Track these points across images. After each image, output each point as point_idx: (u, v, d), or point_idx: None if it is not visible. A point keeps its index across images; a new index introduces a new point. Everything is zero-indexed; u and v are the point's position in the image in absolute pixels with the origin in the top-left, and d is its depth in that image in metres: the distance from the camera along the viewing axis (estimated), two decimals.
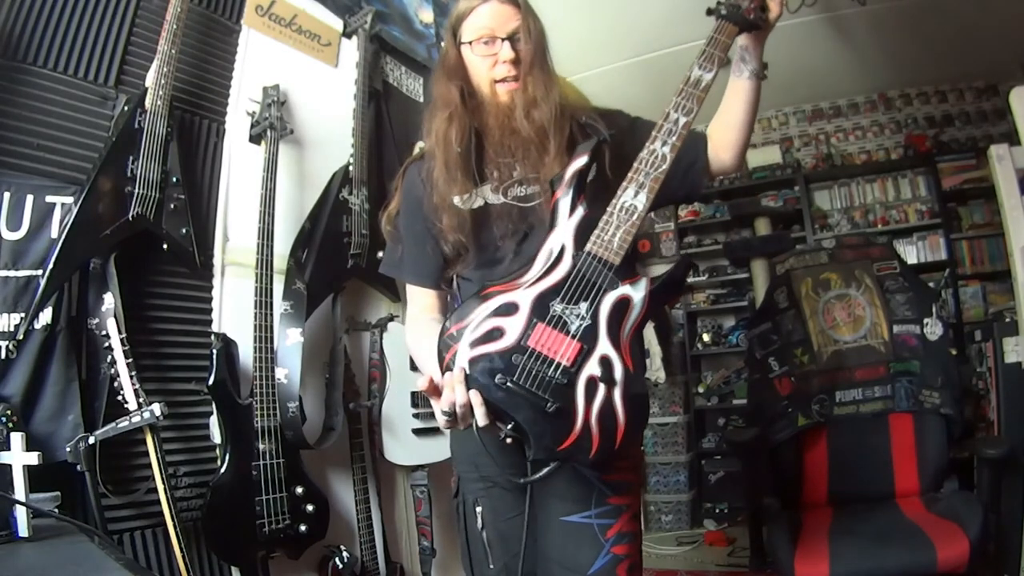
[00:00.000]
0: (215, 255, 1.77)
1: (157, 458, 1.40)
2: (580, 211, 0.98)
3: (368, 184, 2.05)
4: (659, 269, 4.68)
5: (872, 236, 3.46)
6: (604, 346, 0.93)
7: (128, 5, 1.63)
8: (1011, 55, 3.63)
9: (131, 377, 1.38)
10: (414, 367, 2.09)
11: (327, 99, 2.15)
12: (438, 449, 2.07)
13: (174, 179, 1.59)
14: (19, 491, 1.11)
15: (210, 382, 1.56)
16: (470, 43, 1.11)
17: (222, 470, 1.56)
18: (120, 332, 1.39)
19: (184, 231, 1.61)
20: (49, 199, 1.42)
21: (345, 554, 1.81)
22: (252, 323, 1.65)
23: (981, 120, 4.19)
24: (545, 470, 0.96)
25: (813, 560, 1.71)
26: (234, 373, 1.62)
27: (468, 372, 0.91)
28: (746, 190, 4.56)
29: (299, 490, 1.65)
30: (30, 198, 1.40)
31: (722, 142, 1.15)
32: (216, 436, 1.64)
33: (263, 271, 1.67)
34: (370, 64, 2.24)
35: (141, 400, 1.37)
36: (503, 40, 1.09)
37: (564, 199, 0.99)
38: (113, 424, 1.36)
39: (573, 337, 0.93)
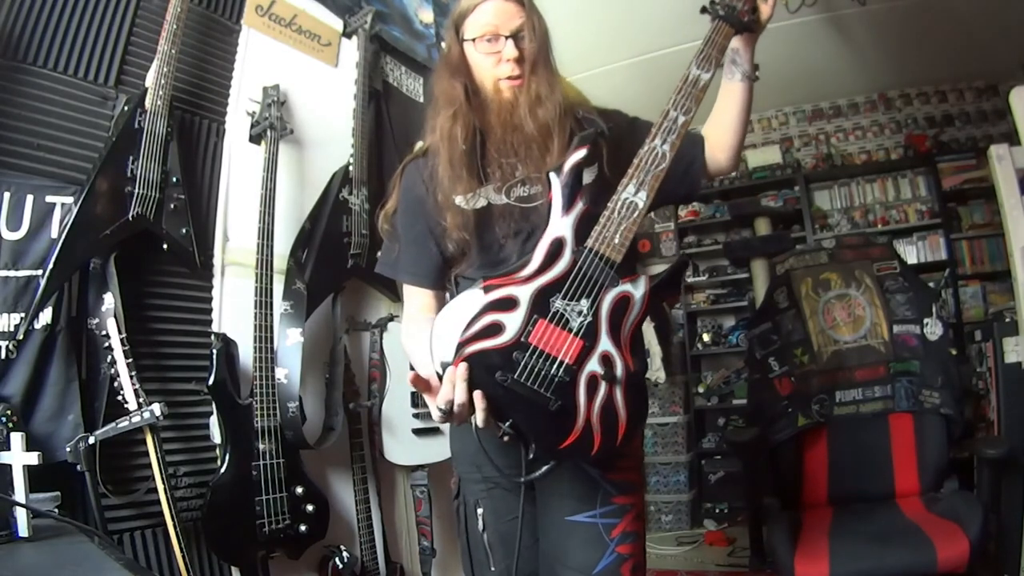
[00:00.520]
0: (215, 255, 1.77)
1: (157, 458, 1.40)
2: (580, 206, 0.97)
3: (368, 184, 2.05)
4: (658, 269, 4.69)
5: (872, 236, 3.46)
6: (605, 343, 0.93)
7: (128, 5, 1.63)
8: (1011, 55, 3.63)
9: (131, 377, 1.38)
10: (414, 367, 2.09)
11: (327, 99, 2.15)
12: (438, 449, 2.07)
13: (174, 179, 1.59)
14: (19, 491, 1.11)
15: (210, 382, 1.56)
16: (473, 40, 1.10)
17: (222, 470, 1.56)
18: (120, 332, 1.39)
19: (184, 231, 1.61)
20: (49, 199, 1.42)
21: (345, 554, 1.81)
22: (252, 323, 1.65)
23: (981, 120, 4.19)
24: (543, 468, 0.95)
25: (813, 560, 1.71)
26: (234, 373, 1.62)
27: (468, 367, 0.89)
28: (746, 190, 4.56)
29: (299, 490, 1.65)
30: (30, 198, 1.40)
31: (718, 144, 1.15)
32: (216, 436, 1.64)
33: (263, 271, 1.67)
34: (370, 64, 2.24)
35: (141, 400, 1.37)
36: (507, 38, 1.08)
37: (562, 193, 0.98)
38: (113, 424, 1.36)
39: (575, 334, 0.92)
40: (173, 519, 1.40)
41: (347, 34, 2.26)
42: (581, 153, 0.99)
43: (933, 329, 2.22)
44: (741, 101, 1.11)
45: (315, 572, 1.83)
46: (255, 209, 1.71)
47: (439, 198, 1.11)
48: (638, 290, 0.96)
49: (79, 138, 1.50)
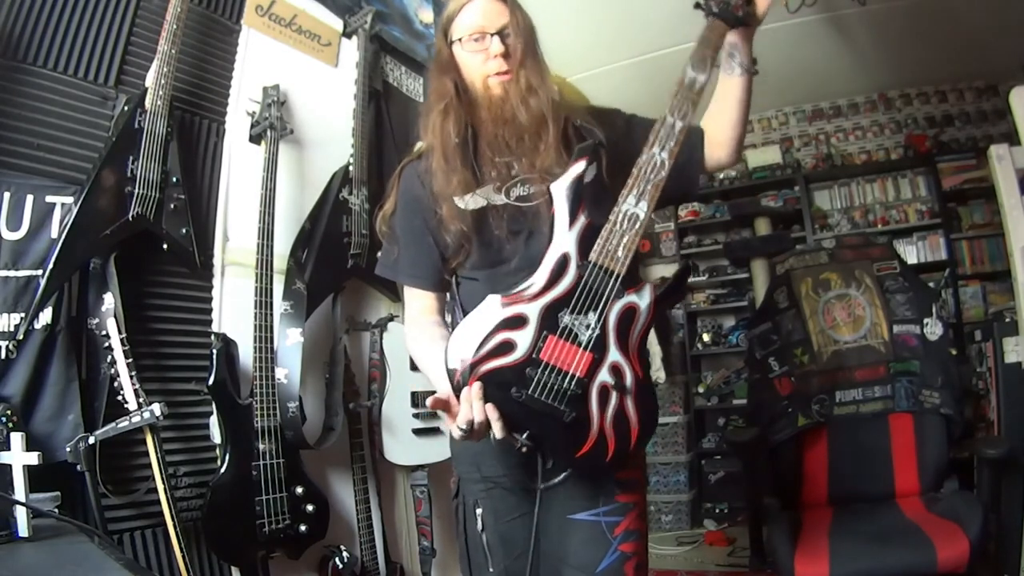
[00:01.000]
0: (215, 255, 1.77)
1: (157, 458, 1.40)
2: (581, 220, 0.99)
3: (368, 184, 2.05)
4: (658, 269, 4.70)
5: (872, 236, 3.46)
6: (614, 354, 0.95)
7: (128, 5, 1.63)
8: (1011, 55, 3.62)
9: (131, 377, 1.38)
10: (414, 367, 2.09)
11: (327, 99, 2.15)
12: (438, 449, 2.07)
13: (174, 179, 1.59)
14: (19, 491, 1.11)
15: (210, 382, 1.56)
16: (460, 41, 1.12)
17: (222, 470, 1.56)
18: (120, 332, 1.39)
19: (184, 231, 1.61)
20: (49, 199, 1.42)
21: (345, 554, 1.81)
22: (252, 323, 1.65)
23: (981, 120, 4.19)
24: (561, 475, 0.99)
25: (813, 560, 1.71)
26: (234, 373, 1.62)
27: (483, 386, 0.92)
28: (746, 190, 4.56)
29: (299, 490, 1.65)
30: (30, 198, 1.40)
31: (717, 139, 1.14)
32: (216, 436, 1.64)
33: (263, 271, 1.67)
34: (370, 64, 2.24)
35: (141, 400, 1.37)
36: (492, 35, 1.10)
37: (562, 208, 0.99)
38: (113, 424, 1.36)
39: (585, 348, 0.94)
40: (173, 519, 1.40)
41: (347, 34, 2.26)
42: (581, 166, 1.00)
43: (933, 329, 2.22)
44: (740, 95, 1.11)
45: (315, 572, 1.83)
46: (255, 209, 1.71)
47: (436, 188, 1.12)
48: (643, 300, 0.98)
49: (79, 138, 1.50)
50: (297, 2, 2.09)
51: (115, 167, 1.47)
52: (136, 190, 1.49)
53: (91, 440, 1.33)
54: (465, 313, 1.04)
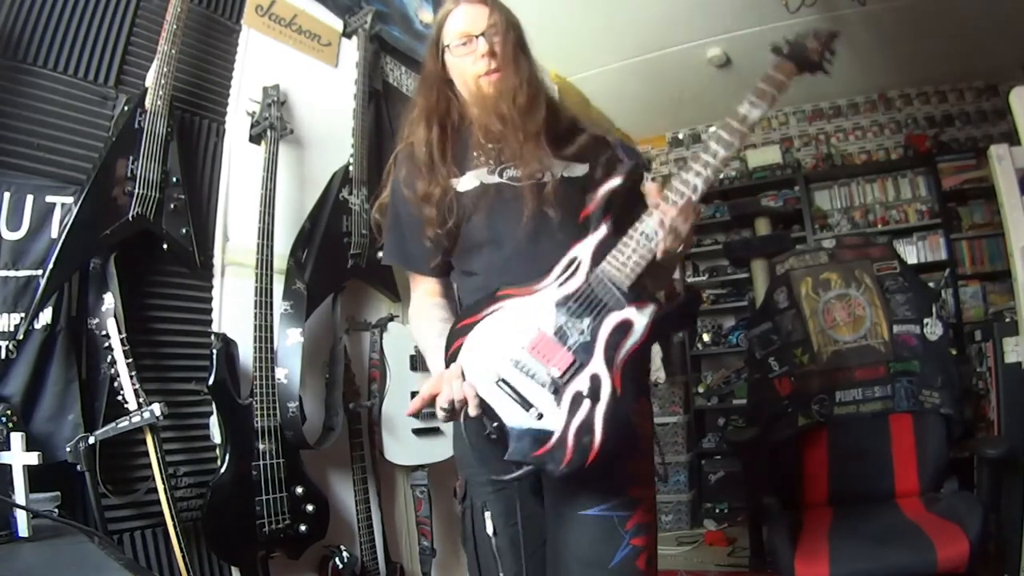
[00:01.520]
0: (215, 255, 1.77)
1: (157, 458, 1.40)
2: (603, 229, 1.01)
3: (368, 184, 2.04)
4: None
5: (872, 236, 3.47)
6: (597, 364, 0.95)
7: (128, 5, 1.63)
8: (1011, 55, 3.63)
9: (131, 377, 1.37)
10: (414, 367, 2.09)
11: (327, 99, 2.15)
12: (438, 449, 2.07)
13: (174, 179, 1.59)
14: (19, 491, 1.11)
15: (210, 382, 1.56)
16: (450, 47, 1.17)
17: (222, 470, 1.56)
18: (120, 332, 1.39)
19: (184, 231, 1.61)
20: (49, 199, 1.42)
21: (345, 554, 1.81)
22: (252, 323, 1.65)
23: (981, 120, 4.19)
24: (518, 472, 0.97)
25: (813, 560, 1.71)
26: (234, 373, 1.62)
27: (468, 368, 0.96)
28: (746, 190, 4.56)
29: (299, 490, 1.65)
30: (30, 198, 1.40)
31: None
32: (216, 436, 1.64)
33: (263, 271, 1.67)
34: (370, 64, 2.24)
35: (141, 400, 1.37)
36: (478, 37, 1.14)
37: (596, 216, 1.02)
38: (113, 424, 1.36)
39: (569, 349, 0.96)
40: (173, 519, 1.40)
41: (347, 34, 2.26)
42: (617, 182, 1.03)
43: (933, 329, 2.22)
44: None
45: (315, 572, 1.83)
46: (255, 209, 1.71)
47: (416, 189, 1.15)
48: (642, 318, 0.97)
49: (79, 138, 1.50)
50: (297, 2, 2.09)
51: (115, 167, 1.47)
52: (136, 190, 1.49)
53: (91, 440, 1.33)
54: (462, 305, 1.07)
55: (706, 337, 4.53)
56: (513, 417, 0.95)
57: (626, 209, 1.05)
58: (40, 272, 1.37)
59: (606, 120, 1.10)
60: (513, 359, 0.96)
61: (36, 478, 1.15)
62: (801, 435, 2.23)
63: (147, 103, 1.53)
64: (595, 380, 0.95)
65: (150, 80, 1.57)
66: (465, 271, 1.18)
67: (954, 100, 4.29)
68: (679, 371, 4.39)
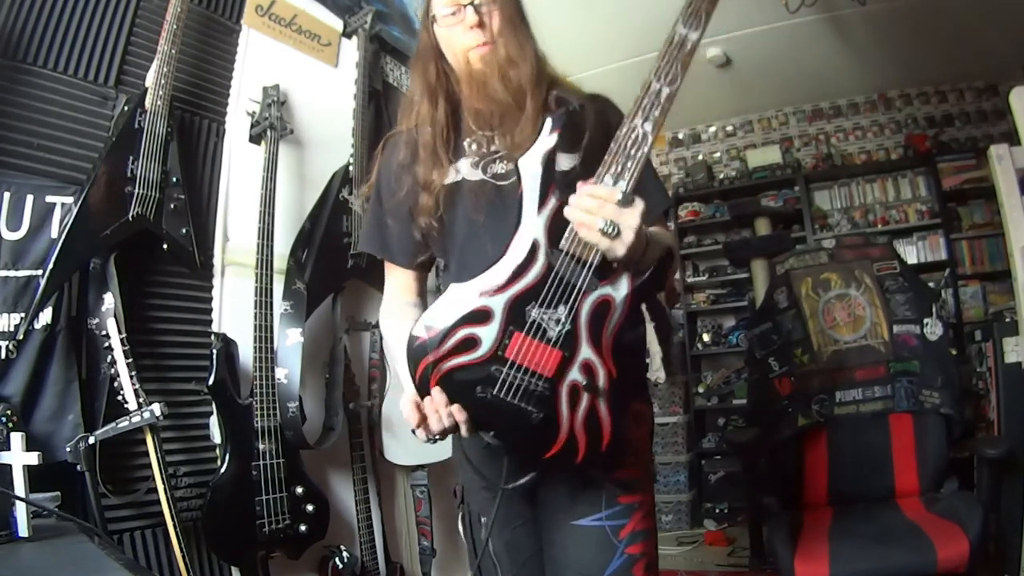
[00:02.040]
0: (215, 255, 1.77)
1: (157, 458, 1.40)
2: (553, 201, 0.90)
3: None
4: None
5: (872, 236, 3.46)
6: (586, 352, 0.89)
7: (128, 5, 1.63)
8: (1011, 55, 3.63)
9: (131, 377, 1.38)
10: None
11: (327, 99, 2.15)
12: (438, 449, 2.04)
13: (174, 179, 1.59)
14: (19, 491, 1.11)
15: (210, 382, 1.56)
16: (438, 18, 1.07)
17: (222, 470, 1.56)
18: (120, 332, 1.39)
19: (184, 231, 1.61)
20: (49, 199, 1.42)
21: (345, 554, 1.81)
22: (252, 323, 1.65)
23: (981, 120, 4.19)
24: (527, 477, 0.94)
25: (813, 560, 1.71)
26: (234, 373, 1.62)
27: (445, 385, 0.89)
28: (746, 190, 4.56)
29: (299, 490, 1.65)
30: (30, 198, 1.40)
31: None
32: (216, 436, 1.64)
33: (263, 271, 1.67)
34: (370, 64, 2.24)
35: (141, 400, 1.37)
36: (466, 7, 1.04)
37: (532, 188, 0.90)
38: (113, 424, 1.36)
39: (554, 345, 0.88)
40: (173, 519, 1.40)
41: (347, 34, 2.26)
42: (552, 139, 0.90)
43: (933, 329, 2.22)
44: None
45: (315, 572, 1.83)
46: (255, 209, 1.71)
47: (416, 175, 1.07)
48: (619, 292, 0.89)
49: (79, 138, 1.50)
50: (297, 2, 2.09)
51: (115, 167, 1.47)
52: (136, 190, 1.49)
53: (91, 440, 1.33)
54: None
55: (706, 337, 4.53)
56: (512, 426, 0.89)
57: (580, 170, 0.96)
58: (40, 272, 1.38)
59: (571, 85, 1.09)
60: (496, 368, 0.88)
61: (36, 478, 1.14)
62: (801, 435, 2.23)
63: (147, 103, 1.53)
64: (588, 368, 0.89)
65: (150, 80, 1.57)
66: (447, 270, 1.13)
67: (954, 100, 4.29)
68: (679, 371, 4.39)
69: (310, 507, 1.67)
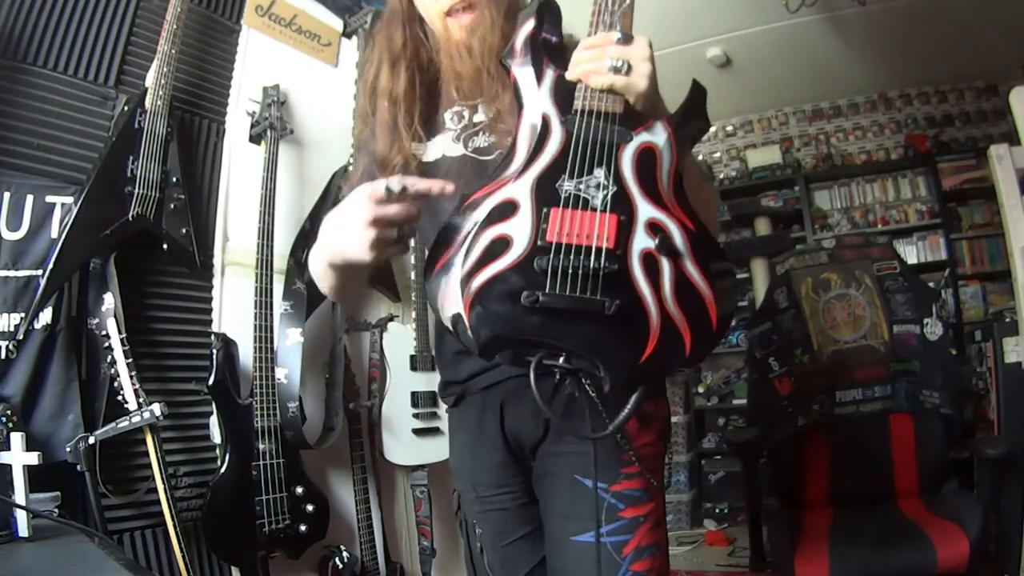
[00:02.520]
0: (215, 255, 1.77)
1: (157, 458, 1.40)
2: (551, 72, 0.78)
3: None
4: None
5: (872, 236, 3.46)
6: (646, 209, 0.72)
7: (128, 5, 1.63)
8: (1011, 55, 3.63)
9: (131, 377, 1.38)
10: (414, 367, 2.09)
11: (327, 99, 2.15)
12: (438, 449, 2.07)
13: (174, 179, 1.59)
14: (19, 491, 1.11)
15: (210, 382, 1.56)
16: None
17: (222, 470, 1.56)
18: (120, 332, 1.39)
19: (184, 231, 1.61)
20: (49, 199, 1.43)
21: (345, 554, 1.81)
22: (252, 323, 1.65)
23: (981, 120, 4.19)
24: (632, 403, 0.73)
25: (813, 560, 1.71)
26: (234, 373, 1.62)
27: (482, 306, 0.70)
28: (746, 190, 4.56)
29: (299, 490, 1.65)
30: (30, 198, 1.40)
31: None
32: (216, 436, 1.64)
33: (263, 271, 1.67)
34: None
35: (141, 400, 1.37)
36: None
37: (525, 69, 0.79)
38: (113, 424, 1.36)
39: (603, 211, 0.71)
40: (173, 519, 1.40)
41: (347, 34, 2.26)
42: (531, 24, 0.80)
43: (933, 329, 2.22)
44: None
45: (315, 572, 1.83)
46: (255, 209, 1.72)
47: (392, 143, 0.95)
48: (659, 136, 0.75)
49: (79, 138, 1.50)
50: (297, 2, 2.09)
51: (115, 167, 1.47)
52: (136, 190, 1.49)
53: (91, 440, 1.33)
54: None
55: None
56: (584, 332, 0.69)
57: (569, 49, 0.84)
58: (40, 272, 1.38)
59: None
60: (538, 259, 0.69)
61: (36, 478, 1.15)
62: (801, 435, 2.23)
63: (147, 103, 1.53)
64: (656, 227, 0.72)
65: (150, 80, 1.57)
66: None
67: (954, 100, 4.29)
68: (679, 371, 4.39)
69: (310, 507, 1.67)
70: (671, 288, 0.70)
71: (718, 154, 4.87)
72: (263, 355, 1.64)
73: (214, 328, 1.72)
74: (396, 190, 0.73)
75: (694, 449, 4.17)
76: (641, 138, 0.75)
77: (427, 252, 0.76)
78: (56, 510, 1.18)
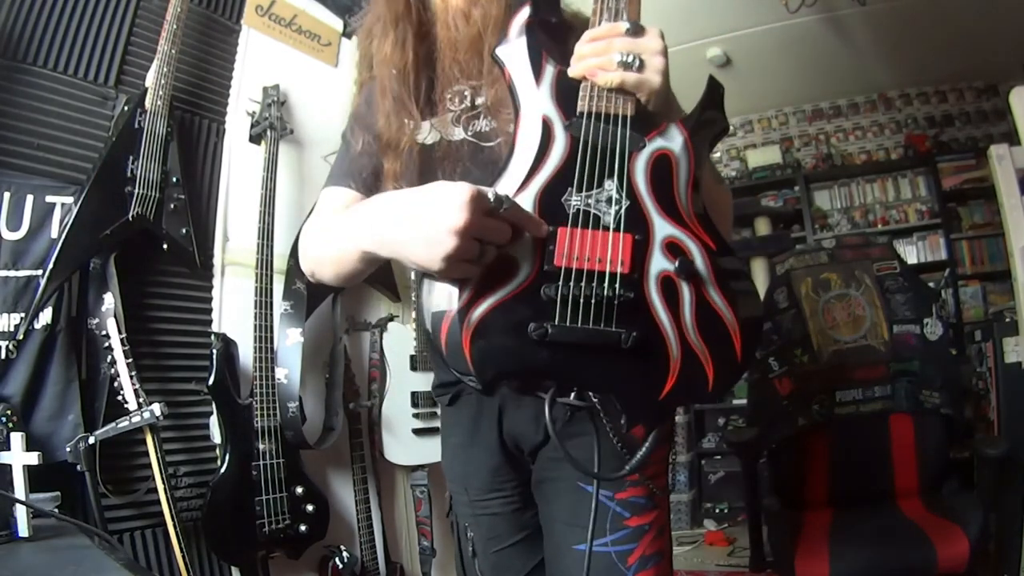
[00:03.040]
0: (215, 255, 1.77)
1: (157, 458, 1.40)
2: (551, 68, 0.70)
3: None
4: None
5: (872, 236, 3.46)
6: (663, 227, 0.66)
7: (128, 5, 1.63)
8: (1011, 55, 3.63)
9: (131, 377, 1.38)
10: (414, 367, 2.09)
11: (327, 99, 2.15)
12: (438, 449, 2.05)
13: (174, 179, 1.59)
14: (19, 491, 1.11)
15: (210, 382, 1.56)
16: None
17: (222, 470, 1.56)
18: (120, 332, 1.39)
19: (184, 231, 1.61)
20: (49, 199, 1.43)
21: (345, 554, 1.81)
22: (252, 323, 1.65)
23: (981, 120, 4.19)
24: (645, 447, 0.68)
25: (813, 560, 1.71)
26: (234, 373, 1.62)
27: (484, 340, 0.63)
28: (746, 190, 4.56)
29: (299, 490, 1.65)
30: (30, 198, 1.40)
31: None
32: (216, 436, 1.64)
33: (263, 271, 1.67)
34: None
35: (141, 400, 1.37)
36: None
37: (521, 64, 0.71)
38: (113, 424, 1.36)
39: (616, 229, 0.64)
40: (173, 519, 1.40)
41: (347, 34, 2.26)
42: (526, 11, 0.73)
43: (933, 329, 2.22)
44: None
45: (315, 572, 1.83)
46: (255, 209, 1.72)
47: (397, 121, 0.88)
48: (675, 141, 0.68)
49: (79, 138, 1.50)
50: (297, 2, 2.09)
51: (115, 167, 1.47)
52: (136, 190, 1.49)
53: (91, 440, 1.33)
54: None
55: None
56: (599, 366, 0.63)
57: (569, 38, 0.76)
58: (40, 272, 1.38)
59: None
60: (545, 288, 0.63)
61: (36, 478, 1.15)
62: (801, 435, 2.23)
63: (147, 103, 1.53)
64: (676, 247, 0.65)
65: (150, 80, 1.57)
66: None
67: (954, 100, 4.29)
68: None
69: (310, 507, 1.67)
70: (691, 316, 0.64)
71: (718, 154, 4.87)
72: (263, 355, 1.64)
73: (214, 328, 1.72)
74: (502, 207, 0.61)
75: (694, 449, 4.16)
76: (655, 144, 0.68)
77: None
78: (56, 510, 1.18)
